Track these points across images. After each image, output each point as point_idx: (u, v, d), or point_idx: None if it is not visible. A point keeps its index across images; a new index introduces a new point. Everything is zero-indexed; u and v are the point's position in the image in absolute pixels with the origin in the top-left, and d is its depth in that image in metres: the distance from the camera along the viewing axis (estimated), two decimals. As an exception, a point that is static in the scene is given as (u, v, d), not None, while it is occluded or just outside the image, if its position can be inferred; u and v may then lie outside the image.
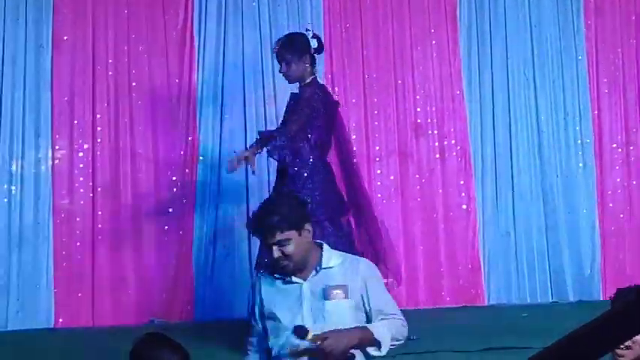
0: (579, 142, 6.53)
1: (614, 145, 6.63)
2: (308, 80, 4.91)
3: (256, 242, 5.25)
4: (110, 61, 5.99)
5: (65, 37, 5.94)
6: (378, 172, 6.33)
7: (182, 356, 2.62)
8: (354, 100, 6.30)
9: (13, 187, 5.79)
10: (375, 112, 6.33)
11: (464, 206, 6.43)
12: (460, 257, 6.40)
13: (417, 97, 6.42)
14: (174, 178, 6.02)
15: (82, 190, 5.90)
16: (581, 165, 6.52)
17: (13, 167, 5.82)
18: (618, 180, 6.61)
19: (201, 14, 6.10)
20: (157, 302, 5.93)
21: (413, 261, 6.29)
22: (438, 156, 6.39)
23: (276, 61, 5.78)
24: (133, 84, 6.00)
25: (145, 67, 6.05)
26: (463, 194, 6.44)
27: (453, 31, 6.47)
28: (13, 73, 5.85)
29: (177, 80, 6.10)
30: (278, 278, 3.11)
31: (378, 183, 6.31)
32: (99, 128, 5.94)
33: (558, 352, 1.29)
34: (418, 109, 6.39)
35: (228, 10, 6.13)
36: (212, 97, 6.13)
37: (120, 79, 6.00)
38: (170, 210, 6.02)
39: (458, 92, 6.44)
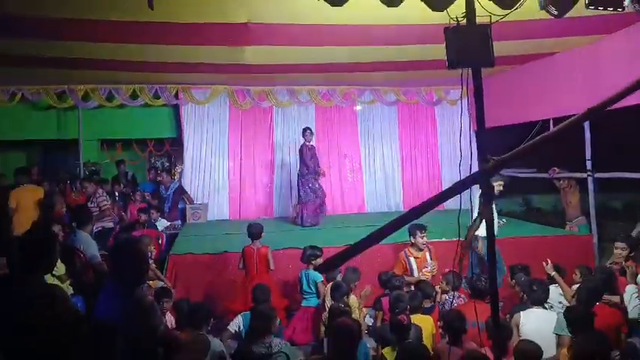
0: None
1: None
2: None
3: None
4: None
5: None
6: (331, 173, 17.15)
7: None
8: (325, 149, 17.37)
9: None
10: (328, 152, 17.44)
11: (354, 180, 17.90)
12: (352, 198, 17.86)
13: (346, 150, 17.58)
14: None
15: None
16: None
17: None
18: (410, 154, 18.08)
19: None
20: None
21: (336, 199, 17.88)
22: (351, 166, 18.00)
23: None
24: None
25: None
26: (356, 176, 17.80)
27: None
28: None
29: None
30: None
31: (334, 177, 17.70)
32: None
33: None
34: (345, 152, 17.73)
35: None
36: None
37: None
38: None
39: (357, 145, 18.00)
